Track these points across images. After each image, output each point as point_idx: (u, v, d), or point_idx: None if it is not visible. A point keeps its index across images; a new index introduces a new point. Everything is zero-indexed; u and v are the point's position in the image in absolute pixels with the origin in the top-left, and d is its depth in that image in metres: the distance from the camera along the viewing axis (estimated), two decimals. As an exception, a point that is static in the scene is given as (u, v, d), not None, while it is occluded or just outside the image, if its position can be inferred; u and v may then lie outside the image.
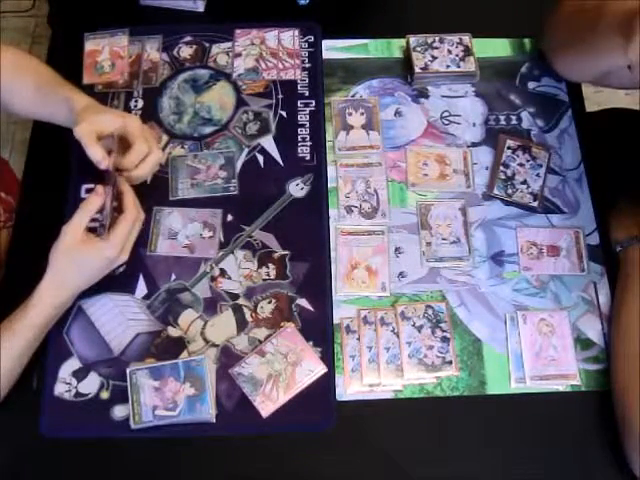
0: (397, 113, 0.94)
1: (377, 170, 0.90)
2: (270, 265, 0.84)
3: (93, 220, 0.75)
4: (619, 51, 0.72)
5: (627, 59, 0.70)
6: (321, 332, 0.80)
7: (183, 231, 0.85)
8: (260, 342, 0.79)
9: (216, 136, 0.92)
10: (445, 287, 0.83)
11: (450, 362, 0.78)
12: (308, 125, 0.93)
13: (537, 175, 0.90)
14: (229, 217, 0.86)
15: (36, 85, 0.82)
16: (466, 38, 0.97)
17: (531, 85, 0.97)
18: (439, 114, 0.94)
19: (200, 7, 1.03)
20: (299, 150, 0.91)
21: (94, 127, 0.76)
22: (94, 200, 0.74)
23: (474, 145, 0.92)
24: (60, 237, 0.73)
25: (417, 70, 0.94)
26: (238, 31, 1.00)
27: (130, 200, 0.77)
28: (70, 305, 0.78)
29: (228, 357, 0.78)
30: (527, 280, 0.84)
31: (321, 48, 0.99)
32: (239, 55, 0.98)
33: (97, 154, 0.76)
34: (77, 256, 0.73)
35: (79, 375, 0.77)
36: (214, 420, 0.74)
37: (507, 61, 0.99)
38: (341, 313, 0.81)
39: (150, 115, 0.94)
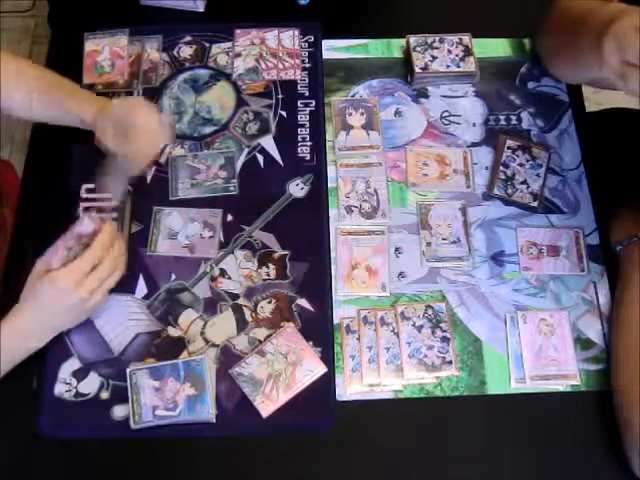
0: (397, 113, 0.94)
1: (377, 170, 0.90)
2: (270, 265, 0.84)
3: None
4: (600, 66, 0.71)
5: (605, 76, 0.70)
6: (321, 332, 0.80)
7: (183, 231, 0.85)
8: (260, 342, 0.79)
9: (216, 136, 0.92)
10: (445, 287, 0.83)
11: (450, 362, 0.78)
12: (308, 125, 0.93)
13: (537, 175, 0.90)
14: (229, 217, 0.86)
15: (37, 94, 0.82)
16: (466, 38, 0.97)
17: (531, 85, 0.97)
18: (439, 114, 0.94)
19: (200, 7, 1.03)
20: (299, 150, 0.91)
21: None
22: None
23: (474, 145, 0.92)
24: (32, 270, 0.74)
25: (417, 70, 0.94)
26: (238, 31, 1.00)
27: (100, 240, 0.73)
28: (37, 347, 0.75)
29: (228, 357, 0.78)
30: (527, 280, 0.84)
31: (321, 48, 0.99)
32: (239, 55, 0.98)
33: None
34: (35, 288, 0.73)
35: (79, 375, 0.77)
36: (214, 420, 0.74)
37: (507, 61, 0.99)
38: (341, 313, 0.81)
39: (150, 115, 0.94)
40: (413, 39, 0.97)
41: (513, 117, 0.95)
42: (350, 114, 0.94)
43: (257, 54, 0.98)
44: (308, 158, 0.91)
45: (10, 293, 0.82)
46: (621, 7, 0.71)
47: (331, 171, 0.90)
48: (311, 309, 0.81)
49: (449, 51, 0.96)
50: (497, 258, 0.85)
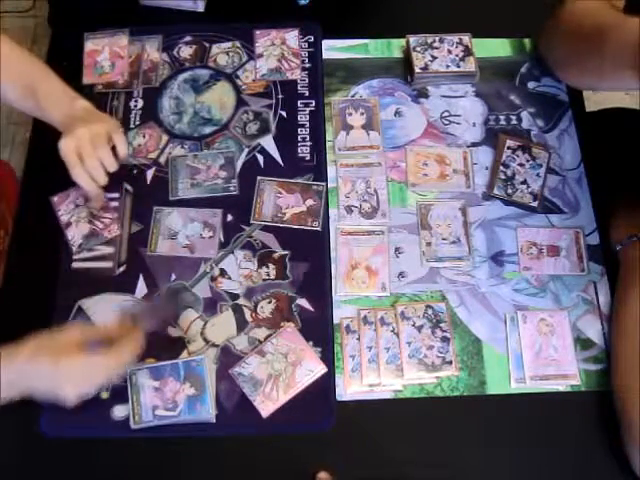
0: (397, 113, 0.94)
1: (377, 170, 0.90)
2: (270, 265, 0.84)
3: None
4: (629, 81, 0.71)
5: None
6: (321, 332, 0.80)
7: (183, 231, 0.85)
8: (260, 342, 0.79)
9: (216, 136, 0.92)
10: (445, 287, 0.83)
11: (450, 362, 0.78)
12: (308, 125, 0.93)
13: (537, 175, 0.90)
14: (229, 217, 0.86)
15: (19, 89, 0.81)
16: (466, 38, 0.97)
17: (531, 85, 0.97)
18: (439, 114, 0.94)
19: (200, 7, 1.03)
20: (299, 150, 0.91)
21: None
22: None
23: (474, 145, 0.92)
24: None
25: (417, 70, 0.94)
26: (258, 32, 0.99)
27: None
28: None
29: (228, 357, 0.78)
30: (527, 280, 0.84)
31: (321, 48, 0.99)
32: (261, 56, 0.98)
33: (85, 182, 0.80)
34: (47, 351, 0.67)
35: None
36: (214, 420, 0.74)
37: (507, 61, 0.99)
38: (341, 313, 0.81)
39: (150, 115, 0.94)
40: (413, 39, 0.97)
41: (513, 117, 0.95)
42: (350, 114, 0.94)
43: (279, 54, 0.98)
44: (308, 158, 0.91)
45: (11, 292, 0.82)
46: None
47: (331, 171, 0.90)
48: (311, 309, 0.81)
49: (449, 51, 0.96)
50: (497, 258, 0.85)
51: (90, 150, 0.79)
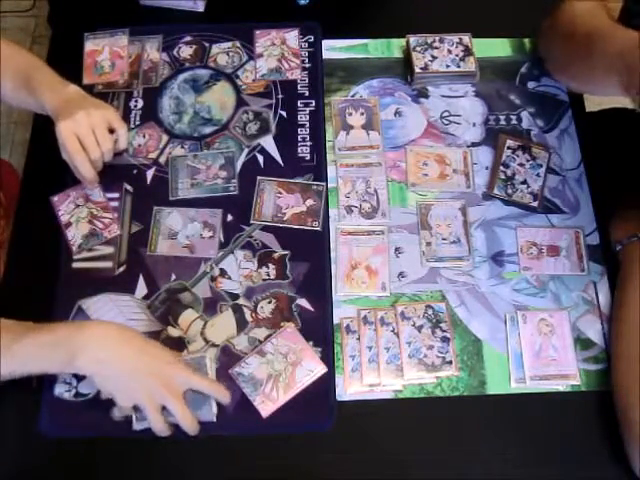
0: (397, 113, 0.94)
1: (377, 170, 0.90)
2: (270, 265, 0.84)
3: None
4: (617, 89, 0.71)
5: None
6: (321, 332, 0.80)
7: (183, 231, 0.85)
8: (260, 342, 0.79)
9: (216, 136, 0.92)
10: (445, 287, 0.83)
11: (450, 362, 0.78)
12: (308, 125, 0.93)
13: (537, 175, 0.90)
14: (229, 217, 0.86)
15: (13, 79, 0.82)
16: (466, 38, 0.97)
17: (531, 85, 0.97)
18: (439, 114, 0.94)
19: (200, 7, 1.03)
20: (299, 150, 0.91)
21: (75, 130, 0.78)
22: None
23: (474, 145, 0.92)
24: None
25: (417, 70, 0.94)
26: (258, 32, 0.99)
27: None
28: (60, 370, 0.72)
29: (228, 357, 0.78)
30: (527, 280, 0.84)
31: (321, 48, 0.99)
32: (261, 56, 0.98)
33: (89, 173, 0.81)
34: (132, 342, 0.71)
35: (79, 375, 0.77)
36: (214, 420, 0.74)
37: (507, 61, 0.99)
38: (341, 313, 0.81)
39: (150, 115, 0.94)
40: (413, 39, 0.97)
41: (513, 117, 0.95)
42: (350, 114, 0.94)
43: (279, 54, 0.98)
44: (308, 158, 0.91)
45: (11, 294, 0.82)
46: (631, 36, 0.71)
47: (331, 171, 0.90)
48: (311, 309, 0.81)
49: (449, 51, 0.96)
50: (497, 258, 0.85)
51: (92, 139, 0.80)
